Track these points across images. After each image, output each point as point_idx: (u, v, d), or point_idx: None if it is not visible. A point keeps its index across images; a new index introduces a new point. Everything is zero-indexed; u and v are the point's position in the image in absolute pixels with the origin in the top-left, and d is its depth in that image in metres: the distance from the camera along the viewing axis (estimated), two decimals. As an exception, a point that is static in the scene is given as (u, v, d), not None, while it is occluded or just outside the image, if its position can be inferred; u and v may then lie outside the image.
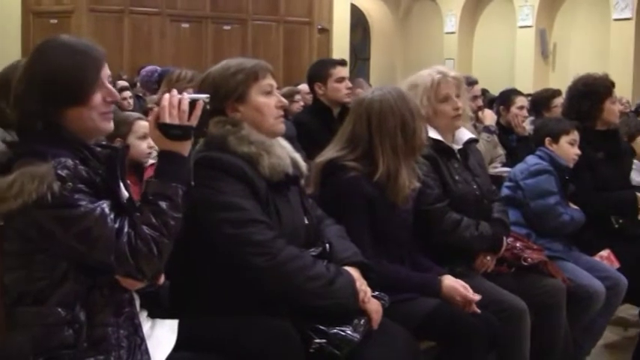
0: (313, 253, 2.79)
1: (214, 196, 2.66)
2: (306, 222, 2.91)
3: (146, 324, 2.47)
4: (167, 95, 2.34)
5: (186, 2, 14.98)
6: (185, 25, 15.07)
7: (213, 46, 15.03)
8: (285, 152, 2.86)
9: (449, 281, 3.24)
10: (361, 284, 2.82)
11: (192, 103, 2.34)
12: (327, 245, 2.89)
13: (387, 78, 18.43)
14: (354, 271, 2.84)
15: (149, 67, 7.15)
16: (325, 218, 3.08)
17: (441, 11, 19.03)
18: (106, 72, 2.37)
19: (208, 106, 2.40)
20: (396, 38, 20.40)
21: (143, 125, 3.85)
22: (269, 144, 2.79)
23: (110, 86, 2.38)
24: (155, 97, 5.74)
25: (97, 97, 2.31)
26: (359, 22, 20.09)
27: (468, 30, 18.68)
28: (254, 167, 2.72)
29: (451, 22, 18.75)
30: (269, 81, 2.87)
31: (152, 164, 3.86)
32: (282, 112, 2.88)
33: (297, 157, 2.98)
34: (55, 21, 14.33)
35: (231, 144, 2.74)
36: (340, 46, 16.57)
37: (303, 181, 3.02)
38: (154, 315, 2.57)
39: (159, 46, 14.66)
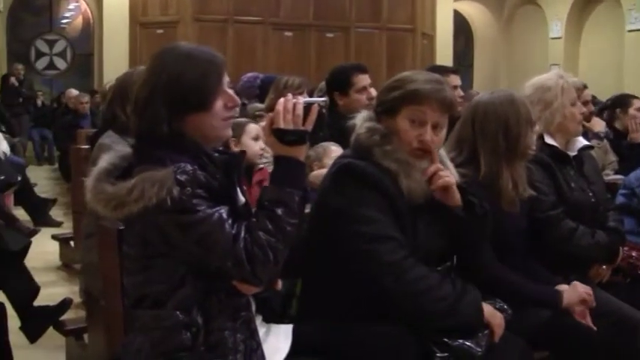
0: (439, 269, 2.76)
1: (353, 207, 2.64)
2: (444, 240, 2.82)
3: (261, 329, 2.49)
4: (282, 100, 2.33)
5: (289, 11, 15.09)
6: (288, 34, 15.19)
7: (316, 54, 15.10)
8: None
9: (569, 294, 3.16)
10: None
11: (307, 108, 2.33)
12: (455, 259, 2.85)
13: (490, 84, 18.15)
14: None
15: (250, 74, 7.16)
16: None
17: (546, 16, 18.65)
18: (226, 78, 2.39)
19: (324, 110, 2.38)
20: (500, 44, 20.11)
21: (255, 127, 3.91)
22: (410, 165, 2.67)
23: (231, 91, 2.39)
24: (258, 104, 5.80)
25: (219, 104, 2.34)
26: (462, 28, 19.90)
27: (575, 35, 18.25)
28: (396, 182, 2.66)
29: (557, 26, 18.34)
30: (424, 109, 2.69)
31: (261, 168, 3.91)
32: (422, 147, 2.68)
33: (452, 170, 2.87)
34: (162, 31, 14.65)
35: (376, 155, 2.69)
36: (443, 53, 16.45)
37: None
38: (267, 320, 2.59)
39: (262, 54, 14.80)
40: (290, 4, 15.05)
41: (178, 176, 2.17)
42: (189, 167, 2.20)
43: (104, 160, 2.35)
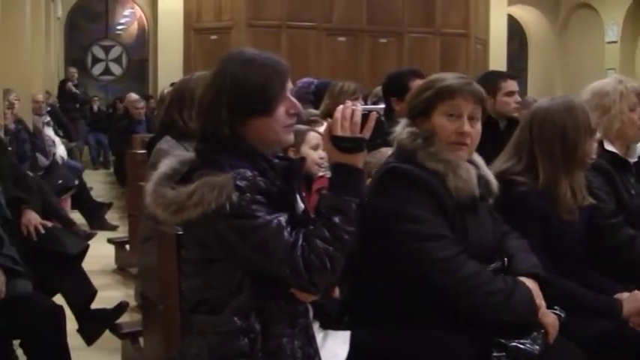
0: (489, 268, 2.74)
1: (401, 207, 2.64)
2: (492, 240, 2.83)
3: (318, 335, 2.48)
4: (340, 107, 2.34)
5: (342, 16, 15.12)
6: (341, 39, 15.21)
7: (369, 59, 15.11)
8: (471, 174, 2.72)
9: (629, 303, 3.10)
10: (536, 295, 2.72)
11: (366, 115, 2.33)
12: (506, 260, 2.83)
13: (544, 89, 17.96)
14: (530, 282, 2.75)
15: (305, 79, 7.20)
16: (510, 233, 2.99)
17: (602, 20, 18.39)
18: (289, 85, 2.40)
19: (382, 118, 2.38)
20: (554, 48, 19.88)
21: (315, 136, 3.89)
22: (456, 164, 2.68)
23: (293, 99, 2.41)
24: (312, 110, 5.80)
25: (281, 109, 2.35)
26: (515, 32, 19.73)
27: (631, 39, 17.95)
28: (443, 183, 2.67)
29: (613, 30, 18.07)
30: (458, 102, 2.72)
31: (320, 176, 3.90)
32: (461, 139, 2.71)
33: (489, 175, 2.89)
34: (215, 37, 14.78)
35: (420, 158, 2.70)
36: (497, 58, 16.33)
37: (491, 200, 2.90)
38: (324, 326, 2.58)
39: (315, 59, 14.85)
40: (343, 10, 15.07)
41: (238, 182, 2.19)
42: (249, 173, 2.22)
43: (164, 165, 2.38)
